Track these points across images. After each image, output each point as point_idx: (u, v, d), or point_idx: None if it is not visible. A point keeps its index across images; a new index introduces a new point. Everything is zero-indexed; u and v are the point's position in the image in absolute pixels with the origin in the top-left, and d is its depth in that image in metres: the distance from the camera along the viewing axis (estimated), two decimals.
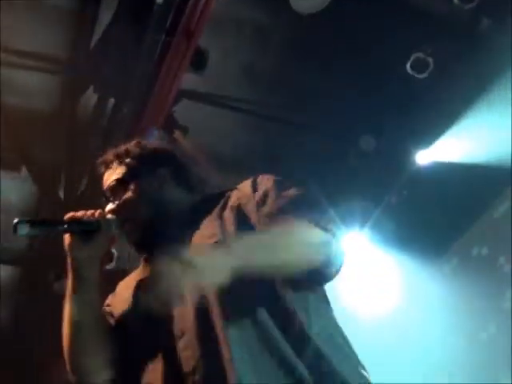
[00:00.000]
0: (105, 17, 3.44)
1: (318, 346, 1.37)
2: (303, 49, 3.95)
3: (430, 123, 4.31)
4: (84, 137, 3.96)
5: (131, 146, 1.72)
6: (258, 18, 3.80)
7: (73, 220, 1.52)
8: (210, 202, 1.58)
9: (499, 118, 4.08)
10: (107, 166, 1.71)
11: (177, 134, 3.90)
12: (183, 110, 3.96)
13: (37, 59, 3.66)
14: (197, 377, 1.32)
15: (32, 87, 3.70)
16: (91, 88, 3.70)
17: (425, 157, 4.47)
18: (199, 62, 3.63)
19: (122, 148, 1.72)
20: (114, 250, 4.74)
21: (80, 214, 1.54)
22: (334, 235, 1.42)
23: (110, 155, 1.72)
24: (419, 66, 3.92)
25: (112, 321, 1.60)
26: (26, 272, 4.79)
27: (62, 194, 4.24)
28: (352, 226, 4.56)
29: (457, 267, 4.87)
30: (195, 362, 1.33)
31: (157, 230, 1.57)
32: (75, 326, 1.54)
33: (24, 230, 1.44)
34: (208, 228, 1.49)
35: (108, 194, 1.67)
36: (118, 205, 1.62)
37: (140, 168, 1.66)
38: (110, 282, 1.71)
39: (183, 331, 1.37)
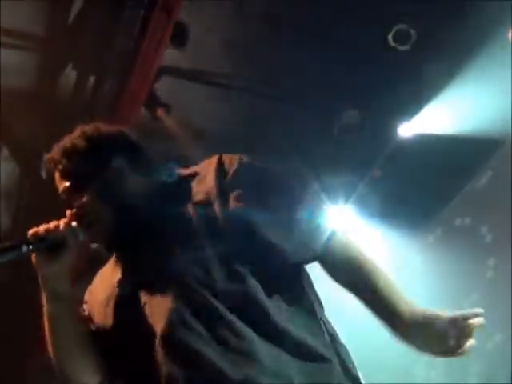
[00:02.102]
0: None
1: (327, 324, 1.43)
2: (287, 23, 3.91)
3: (413, 95, 4.31)
4: (65, 115, 3.91)
5: (76, 138, 1.54)
6: None
7: (36, 238, 1.44)
8: (174, 188, 1.50)
9: (481, 90, 4.09)
10: (55, 166, 1.55)
11: (159, 111, 3.86)
12: (165, 87, 3.92)
13: (13, 36, 3.59)
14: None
15: (9, 65, 3.64)
16: (70, 65, 3.65)
17: (408, 129, 4.48)
18: (180, 37, 3.58)
19: (68, 143, 1.54)
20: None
21: (43, 229, 1.45)
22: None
23: (56, 153, 1.56)
24: (401, 37, 3.90)
25: (92, 326, 1.55)
26: (19, 265, 4.75)
27: (43, 174, 4.20)
28: (337, 200, 4.58)
29: (441, 237, 4.92)
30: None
31: (125, 228, 1.45)
32: (57, 338, 1.51)
33: None
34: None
35: (65, 198, 1.53)
36: (76, 213, 1.47)
37: (91, 165, 1.49)
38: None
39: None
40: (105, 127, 1.59)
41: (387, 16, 3.86)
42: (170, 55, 3.72)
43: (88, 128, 1.57)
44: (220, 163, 1.48)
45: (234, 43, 3.99)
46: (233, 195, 1.41)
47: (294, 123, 4.37)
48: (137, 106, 3.64)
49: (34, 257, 1.47)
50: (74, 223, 1.47)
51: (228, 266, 1.34)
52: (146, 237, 1.46)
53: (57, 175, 1.56)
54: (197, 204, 1.42)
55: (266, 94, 4.32)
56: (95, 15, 3.28)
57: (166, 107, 3.89)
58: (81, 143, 1.52)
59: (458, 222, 4.81)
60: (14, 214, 4.57)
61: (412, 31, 3.88)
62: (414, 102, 4.37)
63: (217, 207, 1.40)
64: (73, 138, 1.55)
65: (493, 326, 4.23)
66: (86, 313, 1.59)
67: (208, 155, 1.69)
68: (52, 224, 1.46)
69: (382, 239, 4.88)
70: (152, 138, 4.34)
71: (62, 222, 1.46)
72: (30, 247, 1.43)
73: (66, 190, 1.52)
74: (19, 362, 4.74)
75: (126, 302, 1.44)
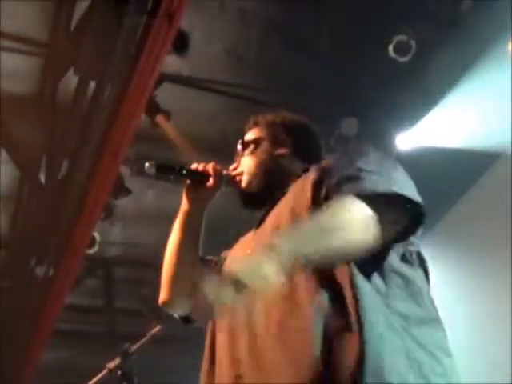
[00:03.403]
0: None
1: None
2: (286, 31, 3.94)
3: (412, 107, 4.33)
4: (65, 120, 3.92)
5: (270, 114, 1.90)
6: (240, 1, 3.77)
7: (192, 170, 1.81)
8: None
9: (480, 102, 4.11)
10: (248, 129, 1.91)
11: (159, 117, 3.88)
12: (165, 94, 3.93)
13: (16, 41, 3.60)
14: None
15: (11, 69, 3.65)
16: (71, 70, 3.66)
17: (405, 140, 4.49)
18: (181, 44, 3.60)
19: (263, 115, 1.90)
20: (95, 235, 4.73)
21: (199, 166, 1.80)
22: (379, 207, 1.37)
23: (251, 121, 1.91)
24: (402, 48, 3.92)
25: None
26: (8, 257, 4.76)
27: (42, 178, 4.20)
28: None
29: (437, 248, 4.93)
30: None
31: (266, 194, 1.72)
32: (176, 255, 1.78)
33: (151, 170, 1.72)
34: (274, 214, 1.62)
35: (236, 153, 1.86)
36: (235, 166, 1.83)
37: (266, 134, 1.83)
38: None
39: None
40: (294, 116, 1.95)
41: (388, 27, 3.88)
42: (171, 62, 3.74)
43: (285, 112, 1.94)
44: (318, 176, 1.57)
45: (234, 51, 4.01)
46: None
47: None
48: (137, 112, 3.65)
49: (186, 183, 1.82)
50: (224, 171, 1.81)
51: None
52: (270, 200, 1.68)
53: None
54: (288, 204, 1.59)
55: (266, 101, 4.34)
56: (97, 21, 3.29)
57: (166, 114, 3.91)
58: (268, 117, 1.89)
59: (454, 234, 4.82)
60: (12, 216, 4.58)
61: (412, 42, 3.90)
62: (412, 114, 4.39)
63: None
64: (269, 114, 1.91)
65: (493, 327, 4.27)
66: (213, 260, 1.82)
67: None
68: (209, 165, 1.81)
69: None
70: (152, 144, 4.37)
71: (214, 166, 1.80)
72: (184, 173, 1.80)
73: (240, 146, 1.86)
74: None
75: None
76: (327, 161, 1.63)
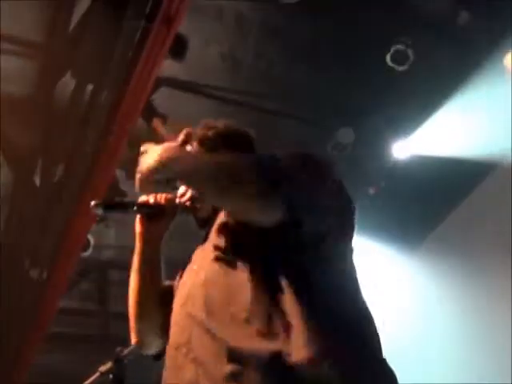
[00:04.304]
0: (83, 1, 3.40)
1: None
2: (282, 38, 3.95)
3: (408, 115, 4.35)
4: (61, 123, 3.92)
5: (199, 128, 1.80)
6: (238, 6, 3.79)
7: (142, 204, 1.71)
8: None
9: (476, 111, 4.13)
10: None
11: (156, 121, 3.88)
12: (163, 98, 3.93)
13: (14, 44, 3.60)
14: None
15: (8, 72, 3.65)
16: (69, 74, 3.66)
17: (402, 149, 4.51)
18: (179, 49, 3.61)
19: (192, 130, 1.80)
20: (90, 238, 4.72)
21: (150, 197, 1.71)
22: (276, 187, 1.38)
23: (182, 137, 1.80)
24: (399, 57, 3.94)
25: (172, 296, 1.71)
26: (2, 259, 4.74)
27: (37, 181, 4.20)
28: None
29: (432, 255, 4.94)
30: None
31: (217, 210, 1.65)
32: (140, 294, 1.75)
33: (99, 211, 1.64)
34: None
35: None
36: (184, 191, 1.72)
37: (203, 150, 1.74)
38: None
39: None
40: (227, 124, 1.84)
41: (385, 37, 3.90)
42: (169, 66, 3.74)
43: (212, 123, 1.83)
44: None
45: (232, 56, 4.02)
46: None
47: (290, 138, 4.39)
48: (134, 116, 3.65)
49: (137, 218, 1.74)
50: (176, 200, 1.72)
51: None
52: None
53: None
54: None
55: (263, 108, 4.35)
56: (95, 25, 3.29)
57: (163, 118, 3.91)
58: (198, 131, 1.78)
59: (450, 241, 4.83)
60: (7, 219, 4.56)
61: (409, 52, 3.92)
62: (408, 122, 4.41)
63: None
64: (199, 128, 1.80)
65: (493, 328, 4.27)
66: (174, 283, 1.75)
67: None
68: (159, 196, 1.72)
69: (374, 256, 4.90)
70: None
71: (165, 197, 1.72)
72: (135, 209, 1.71)
73: None
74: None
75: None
76: None
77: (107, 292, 5.62)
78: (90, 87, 3.70)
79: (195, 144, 1.75)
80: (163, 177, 1.46)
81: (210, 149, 1.72)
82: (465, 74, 4.02)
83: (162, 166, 1.41)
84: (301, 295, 1.34)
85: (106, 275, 5.52)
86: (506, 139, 4.06)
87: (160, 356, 1.76)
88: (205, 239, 1.63)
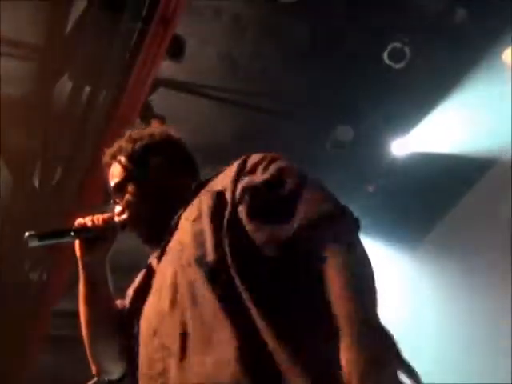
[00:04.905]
0: (80, 3, 3.40)
1: None
2: (280, 38, 3.95)
3: (406, 113, 4.35)
4: (59, 125, 3.92)
5: (124, 141, 1.71)
6: (235, 7, 3.78)
7: (80, 229, 1.63)
8: (206, 182, 1.56)
9: (474, 109, 4.13)
10: (107, 166, 1.73)
11: (154, 122, 3.88)
12: (160, 99, 3.93)
13: (11, 46, 3.60)
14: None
15: (6, 74, 3.64)
16: (66, 75, 3.66)
17: (400, 146, 4.51)
18: (176, 50, 3.60)
19: (116, 145, 1.72)
20: None
21: (87, 220, 1.64)
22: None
23: (107, 155, 1.72)
24: (396, 55, 3.94)
25: (124, 316, 1.66)
26: (2, 261, 4.74)
27: (36, 183, 4.19)
28: None
29: (431, 253, 4.94)
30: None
31: (163, 223, 1.57)
32: (89, 321, 1.66)
33: (34, 242, 1.56)
34: (190, 209, 1.49)
35: (113, 196, 1.71)
36: (121, 210, 1.67)
37: (133, 165, 1.66)
38: None
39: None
40: (151, 131, 1.74)
41: (383, 34, 3.90)
42: (167, 67, 3.74)
43: (136, 131, 1.75)
44: (243, 159, 1.52)
45: (229, 56, 4.02)
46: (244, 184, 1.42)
47: (289, 137, 4.39)
48: (132, 117, 3.64)
49: (76, 243, 1.65)
50: (116, 219, 1.66)
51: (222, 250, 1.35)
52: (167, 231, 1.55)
53: (109, 176, 1.73)
54: (209, 192, 1.48)
55: (261, 107, 4.35)
56: (93, 26, 3.29)
57: (161, 119, 3.91)
58: (126, 146, 1.70)
59: (449, 238, 4.84)
60: (6, 221, 4.56)
61: (406, 50, 3.92)
62: (407, 120, 4.41)
63: (228, 195, 1.42)
64: (122, 140, 1.73)
65: (493, 326, 4.27)
66: (124, 304, 1.70)
67: (201, 168, 1.74)
68: (96, 218, 1.65)
69: (373, 254, 4.90)
70: None
71: (103, 218, 1.65)
72: (73, 235, 1.62)
73: (114, 189, 1.70)
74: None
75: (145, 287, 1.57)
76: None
77: None
78: (87, 89, 3.70)
79: (123, 160, 1.67)
80: None
81: (139, 163, 1.65)
82: (463, 71, 4.02)
83: None
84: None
85: None
86: (504, 135, 4.07)
87: (123, 378, 1.68)
88: (161, 255, 1.53)
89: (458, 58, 3.97)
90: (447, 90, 4.15)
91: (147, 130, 1.75)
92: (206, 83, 4.17)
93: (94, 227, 1.63)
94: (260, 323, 1.23)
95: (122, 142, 1.71)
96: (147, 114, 3.82)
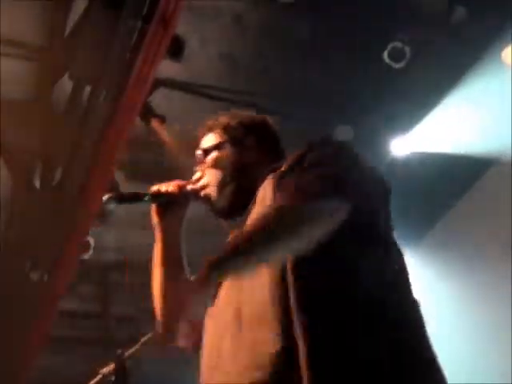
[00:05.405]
0: (80, 2, 3.40)
1: None
2: (280, 37, 3.95)
3: (406, 112, 4.35)
4: (60, 125, 3.92)
5: (222, 117, 1.79)
6: (236, 6, 3.79)
7: (155, 194, 1.72)
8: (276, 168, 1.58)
9: (474, 108, 4.13)
10: (201, 137, 1.80)
11: (154, 122, 3.88)
12: (161, 99, 3.93)
13: (11, 45, 3.60)
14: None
15: (6, 74, 3.64)
16: (67, 75, 3.66)
17: (401, 146, 4.51)
18: (176, 49, 3.61)
19: (215, 119, 1.80)
20: (90, 240, 4.72)
21: (162, 186, 1.72)
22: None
23: (204, 127, 1.80)
24: (396, 55, 3.94)
25: None
26: (3, 262, 4.74)
27: (37, 184, 4.20)
28: None
29: (431, 252, 4.94)
30: None
31: (237, 198, 1.64)
32: (163, 286, 1.71)
33: (112, 204, 1.67)
34: (258, 193, 1.54)
35: (196, 163, 1.76)
36: (198, 178, 1.72)
37: (225, 136, 1.73)
38: None
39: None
40: (250, 114, 1.82)
41: (383, 34, 3.90)
42: (167, 67, 3.74)
43: (236, 111, 1.83)
44: (306, 150, 1.53)
45: (230, 56, 4.02)
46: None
47: (288, 137, 4.38)
48: (132, 117, 3.65)
49: (153, 208, 1.75)
50: (188, 187, 1.72)
51: None
52: (244, 207, 1.59)
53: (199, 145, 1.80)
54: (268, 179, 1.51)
55: (261, 106, 4.35)
56: (92, 26, 3.29)
57: (161, 119, 3.91)
58: (223, 120, 1.77)
59: (449, 237, 4.84)
60: (7, 222, 4.56)
61: (407, 49, 3.92)
62: (407, 119, 4.41)
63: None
64: (221, 116, 1.80)
65: (492, 328, 4.28)
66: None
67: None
68: (171, 184, 1.73)
69: None
70: (146, 149, 4.37)
71: (177, 184, 1.72)
72: (149, 199, 1.72)
73: (199, 155, 1.75)
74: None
75: None
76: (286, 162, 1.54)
77: (108, 294, 5.62)
78: (87, 89, 3.70)
79: (219, 131, 1.75)
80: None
81: (231, 136, 1.72)
82: (462, 70, 4.02)
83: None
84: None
85: (107, 277, 5.52)
86: (504, 135, 4.07)
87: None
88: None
89: (457, 57, 3.98)
90: (447, 90, 4.15)
91: (245, 112, 1.83)
92: (207, 83, 4.17)
93: (168, 193, 1.70)
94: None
95: (220, 117, 1.79)
96: (147, 114, 3.82)
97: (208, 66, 4.06)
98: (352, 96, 4.20)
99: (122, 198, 1.69)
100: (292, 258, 1.31)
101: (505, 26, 3.80)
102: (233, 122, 1.76)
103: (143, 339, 2.57)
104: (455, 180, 4.58)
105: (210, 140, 1.75)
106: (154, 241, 1.82)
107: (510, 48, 3.87)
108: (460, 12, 3.79)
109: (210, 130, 1.77)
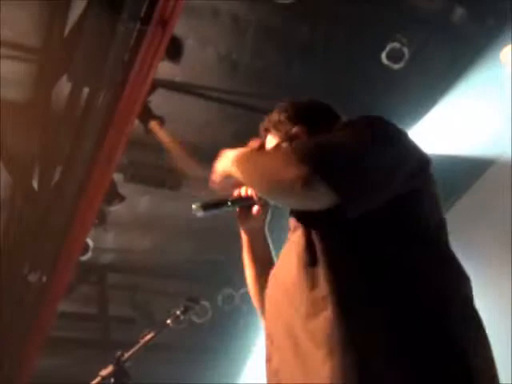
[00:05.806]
0: (78, 4, 3.40)
1: None
2: (279, 38, 3.95)
3: (404, 113, 4.35)
4: (58, 126, 3.91)
5: (273, 114, 1.82)
6: (235, 7, 3.78)
7: (235, 199, 1.77)
8: None
9: (472, 109, 4.13)
10: (264, 139, 1.83)
11: (152, 124, 3.88)
12: (159, 100, 3.93)
13: (9, 47, 3.60)
14: None
15: (5, 76, 3.64)
16: (65, 76, 3.66)
17: None
18: (175, 50, 3.61)
19: (268, 118, 1.82)
20: (88, 241, 4.72)
21: (242, 191, 1.77)
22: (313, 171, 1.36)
23: (262, 129, 1.83)
24: (395, 55, 3.94)
25: None
26: (2, 263, 4.74)
27: (35, 185, 4.19)
28: None
29: None
30: None
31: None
32: (255, 282, 1.80)
33: (200, 213, 1.71)
34: None
35: None
36: None
37: (280, 135, 1.75)
38: None
39: None
40: (299, 101, 1.90)
41: (381, 34, 3.90)
42: (165, 68, 3.74)
43: (287, 102, 1.87)
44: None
45: (228, 57, 4.02)
46: None
47: None
48: (130, 118, 3.64)
49: (237, 213, 1.80)
50: None
51: None
52: None
53: None
54: None
55: (261, 108, 4.34)
56: (91, 28, 3.29)
57: (160, 120, 3.91)
58: (273, 117, 1.81)
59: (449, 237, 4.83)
60: (5, 223, 4.56)
61: (405, 50, 3.92)
62: (404, 120, 4.40)
63: None
64: (272, 112, 1.83)
65: (492, 328, 4.26)
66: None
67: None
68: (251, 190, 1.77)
69: None
70: (145, 150, 4.37)
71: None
72: (231, 204, 1.76)
73: None
74: None
75: None
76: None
77: (106, 295, 5.61)
78: (86, 90, 3.70)
79: (274, 131, 1.78)
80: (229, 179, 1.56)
81: (285, 133, 1.74)
82: (461, 71, 4.02)
83: (223, 170, 1.58)
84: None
85: (106, 279, 5.52)
86: (503, 135, 4.07)
87: None
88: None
89: (456, 57, 3.98)
90: (446, 90, 4.15)
91: (289, 100, 1.87)
92: (205, 84, 4.17)
93: (248, 197, 1.76)
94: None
95: (271, 115, 1.82)
96: (146, 115, 3.82)
97: (207, 66, 4.06)
98: (351, 96, 4.20)
99: (207, 206, 1.72)
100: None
101: (503, 27, 3.80)
102: (282, 117, 1.79)
103: (142, 341, 2.57)
104: (454, 180, 4.58)
105: (270, 142, 1.79)
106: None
107: (508, 48, 3.87)
108: (459, 12, 3.80)
109: (267, 131, 1.80)
